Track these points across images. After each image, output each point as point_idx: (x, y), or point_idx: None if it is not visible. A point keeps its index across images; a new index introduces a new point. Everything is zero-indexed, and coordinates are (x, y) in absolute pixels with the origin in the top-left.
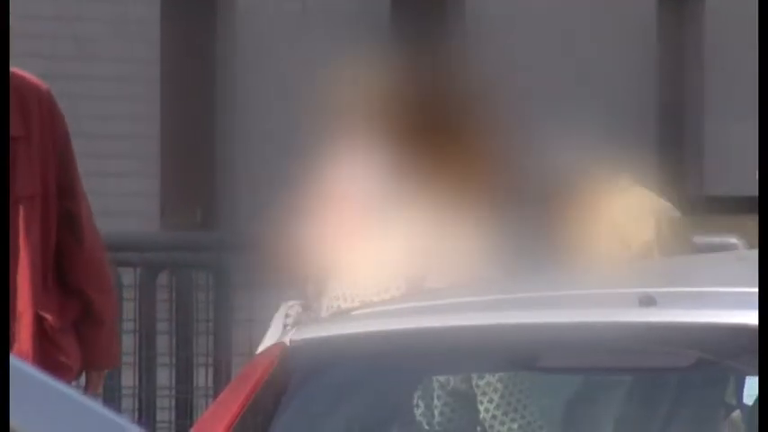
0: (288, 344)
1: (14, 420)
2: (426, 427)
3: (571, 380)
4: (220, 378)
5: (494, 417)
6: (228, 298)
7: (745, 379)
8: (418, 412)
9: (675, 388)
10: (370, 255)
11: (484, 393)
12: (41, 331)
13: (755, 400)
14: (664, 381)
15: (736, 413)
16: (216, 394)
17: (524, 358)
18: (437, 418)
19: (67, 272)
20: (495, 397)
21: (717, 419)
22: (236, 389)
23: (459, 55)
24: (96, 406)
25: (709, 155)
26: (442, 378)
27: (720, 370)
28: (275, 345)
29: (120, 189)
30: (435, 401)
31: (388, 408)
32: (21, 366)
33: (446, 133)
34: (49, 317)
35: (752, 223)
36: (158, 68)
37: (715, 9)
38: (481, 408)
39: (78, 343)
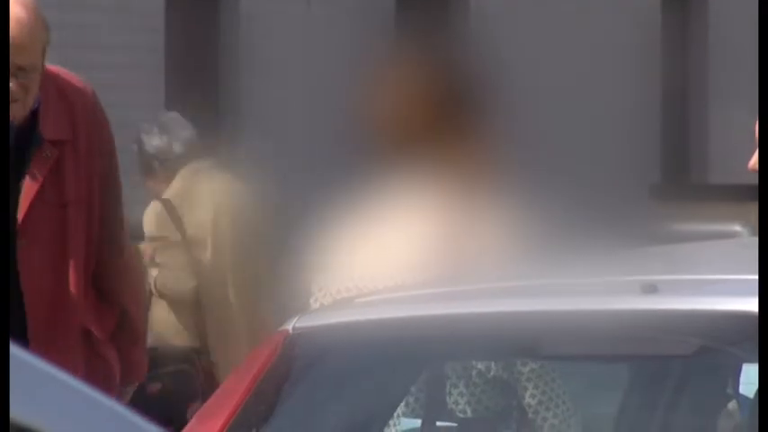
0: (291, 331)
1: (32, 418)
2: (461, 415)
3: (585, 367)
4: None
5: (540, 403)
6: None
7: (742, 366)
8: (451, 399)
9: (678, 375)
10: (376, 248)
11: (529, 380)
12: (89, 344)
13: (754, 388)
14: (666, 368)
15: (737, 400)
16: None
17: (527, 346)
18: (474, 406)
19: (105, 282)
20: (540, 384)
21: (719, 406)
22: (239, 376)
23: (464, 50)
24: (116, 406)
25: (713, 143)
26: (481, 365)
27: (723, 357)
28: (278, 332)
29: (124, 179)
30: (473, 388)
31: (391, 395)
32: (36, 363)
33: (451, 127)
34: (95, 329)
35: (755, 211)
36: (162, 57)
37: (718, 1)
38: (526, 394)
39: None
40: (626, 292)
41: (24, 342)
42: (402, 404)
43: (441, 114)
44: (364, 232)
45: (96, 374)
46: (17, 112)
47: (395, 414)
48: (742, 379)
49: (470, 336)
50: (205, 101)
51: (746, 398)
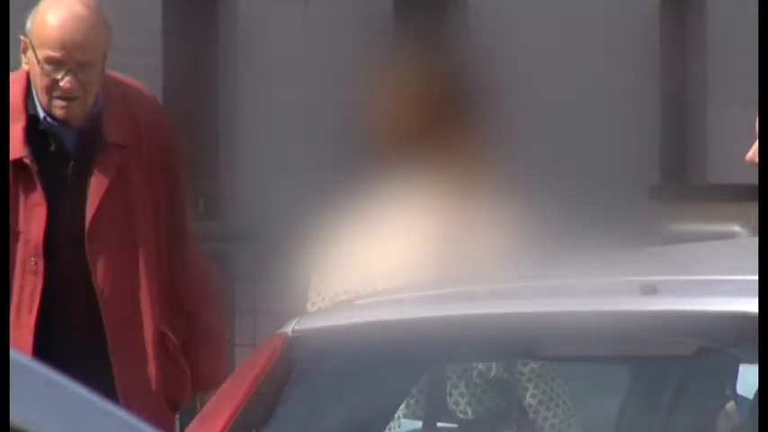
0: (290, 334)
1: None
2: (461, 416)
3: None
4: None
5: (540, 403)
6: (232, 288)
7: (741, 367)
8: (451, 400)
9: (678, 376)
10: (375, 250)
11: (529, 380)
12: (163, 349)
13: (753, 389)
14: (665, 369)
15: (736, 401)
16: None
17: (527, 347)
18: (474, 406)
19: (176, 288)
20: (541, 384)
21: (718, 407)
22: (239, 379)
23: (462, 51)
24: (115, 408)
25: (712, 143)
26: (482, 366)
27: (723, 358)
28: (278, 335)
29: None
30: (474, 389)
31: (391, 397)
32: (32, 366)
33: (450, 128)
34: (169, 333)
35: (755, 211)
36: (161, 58)
37: (715, 3)
38: (527, 395)
39: (191, 364)
40: (625, 293)
41: (103, 349)
42: (402, 405)
43: (440, 115)
44: (363, 234)
45: (170, 379)
46: (76, 110)
47: (395, 416)
48: (740, 380)
49: (470, 337)
50: (203, 103)
51: (745, 399)
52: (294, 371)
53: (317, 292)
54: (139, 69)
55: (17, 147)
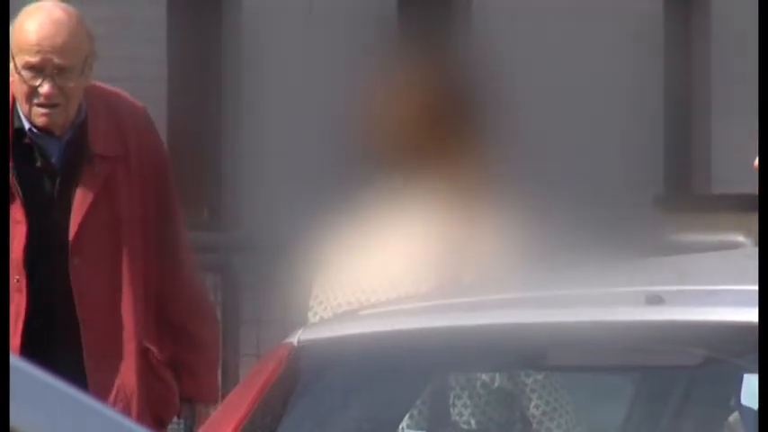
0: (296, 344)
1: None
2: (465, 426)
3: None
4: (228, 378)
5: (544, 414)
6: (236, 298)
7: (745, 377)
8: (455, 411)
9: (683, 386)
10: (377, 259)
11: (533, 391)
12: (146, 364)
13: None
14: (670, 379)
15: (740, 411)
16: (224, 394)
17: (533, 357)
18: (478, 417)
19: (166, 301)
20: (544, 394)
21: (723, 418)
22: (244, 389)
23: (466, 52)
24: (106, 410)
25: (716, 153)
26: (486, 376)
27: (727, 368)
28: (283, 345)
29: None
30: (477, 400)
31: (397, 407)
32: (25, 368)
33: (453, 130)
34: (153, 348)
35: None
36: (165, 68)
37: (721, 7)
38: (530, 405)
39: (180, 376)
40: (630, 303)
41: (80, 360)
42: (406, 416)
43: (443, 118)
44: (366, 242)
45: (153, 394)
46: (57, 118)
47: (399, 426)
48: (745, 390)
49: (475, 348)
50: (208, 111)
51: (750, 409)
52: (300, 381)
53: (319, 301)
54: (144, 79)
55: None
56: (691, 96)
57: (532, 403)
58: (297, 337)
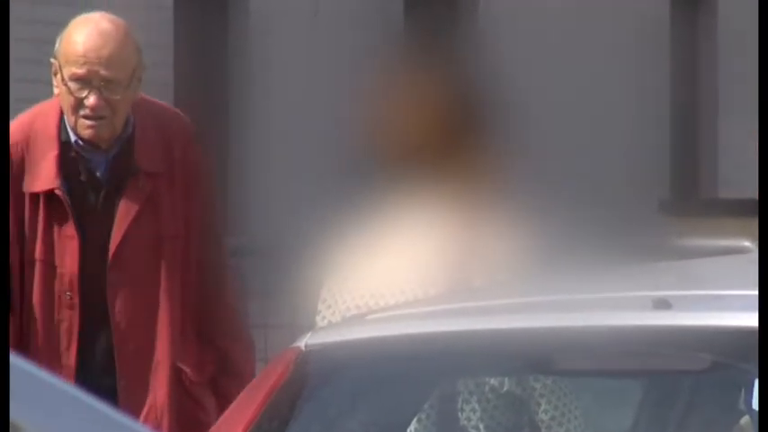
0: (303, 348)
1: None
2: (473, 431)
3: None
4: None
5: (552, 419)
6: (244, 303)
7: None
8: (463, 416)
9: (690, 391)
10: (385, 263)
11: (541, 396)
12: (179, 384)
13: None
14: (678, 383)
15: (750, 415)
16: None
17: (540, 361)
18: (486, 422)
19: (204, 322)
20: (553, 399)
21: (731, 422)
22: (252, 393)
23: (472, 55)
24: (114, 413)
25: (723, 158)
26: (494, 381)
27: (735, 373)
28: (290, 349)
29: None
30: (486, 404)
31: (404, 412)
32: (30, 369)
33: (460, 133)
34: (187, 369)
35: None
36: (171, 72)
37: (727, 8)
38: (539, 410)
39: (216, 398)
40: (638, 308)
41: (112, 375)
42: (414, 421)
43: (449, 118)
44: (373, 246)
45: (185, 415)
46: (103, 131)
47: (408, 431)
48: (753, 395)
49: (482, 352)
50: (214, 115)
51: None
52: (307, 385)
53: (328, 305)
54: (150, 83)
55: (49, 177)
56: (697, 98)
57: (541, 408)
58: (304, 342)
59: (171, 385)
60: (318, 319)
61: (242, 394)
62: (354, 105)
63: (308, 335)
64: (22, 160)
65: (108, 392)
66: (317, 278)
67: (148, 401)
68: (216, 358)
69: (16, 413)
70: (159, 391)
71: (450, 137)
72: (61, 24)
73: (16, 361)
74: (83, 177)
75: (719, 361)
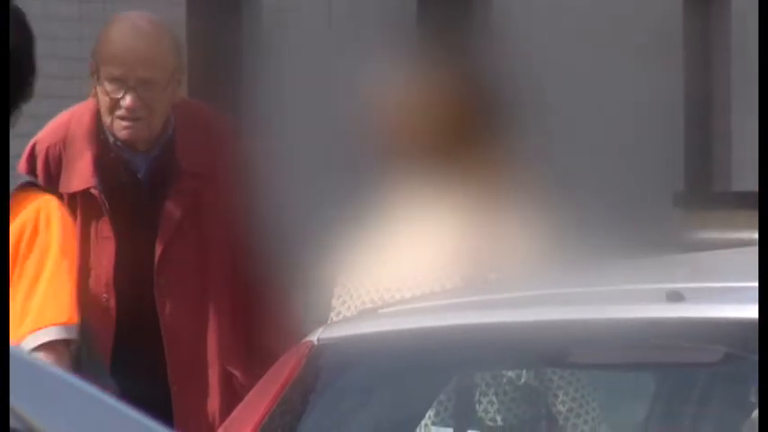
0: (315, 342)
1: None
2: (490, 424)
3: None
4: None
5: (570, 411)
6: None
7: None
8: (480, 408)
9: (703, 383)
10: (400, 257)
11: (559, 388)
12: (229, 388)
13: None
14: (692, 376)
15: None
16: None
17: (553, 355)
18: (504, 414)
19: (256, 327)
20: (571, 391)
21: (745, 415)
22: (264, 388)
23: (486, 52)
24: (131, 411)
25: (737, 150)
26: (511, 373)
27: (748, 365)
28: (303, 343)
29: None
30: (503, 396)
31: (416, 406)
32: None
33: (476, 132)
34: (236, 372)
35: None
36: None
37: (741, 4)
38: (557, 402)
39: None
40: (651, 300)
41: (165, 383)
42: (432, 413)
43: (464, 115)
44: (388, 241)
45: None
46: (140, 131)
47: (421, 423)
48: None
49: (494, 346)
50: (227, 112)
51: None
52: (319, 380)
53: (342, 300)
54: None
55: (85, 176)
56: (711, 93)
57: (559, 400)
58: (317, 336)
59: (222, 389)
60: (333, 315)
61: (254, 389)
62: (368, 101)
63: (320, 329)
64: (60, 161)
65: (158, 399)
66: (331, 274)
67: (202, 406)
68: (264, 361)
69: (38, 416)
70: (212, 395)
71: (464, 132)
72: (75, 20)
73: (39, 362)
74: (122, 178)
75: (733, 353)
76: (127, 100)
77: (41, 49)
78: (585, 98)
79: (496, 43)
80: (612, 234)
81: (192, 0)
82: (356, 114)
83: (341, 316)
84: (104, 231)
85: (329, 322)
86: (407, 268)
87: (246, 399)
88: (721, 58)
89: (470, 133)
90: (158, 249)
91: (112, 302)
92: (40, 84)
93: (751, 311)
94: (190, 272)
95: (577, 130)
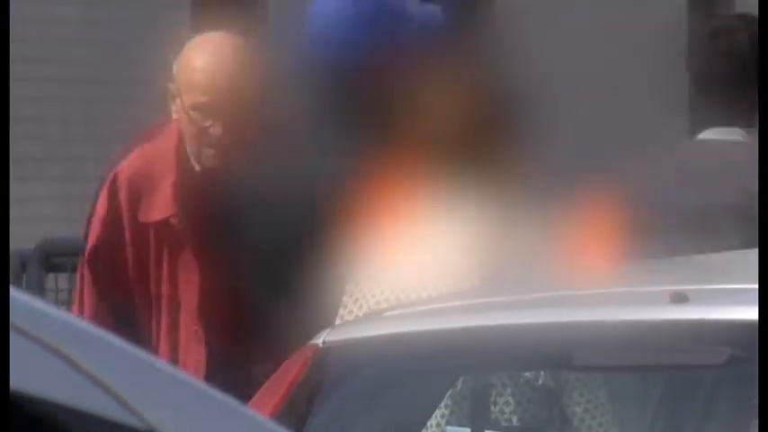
0: (321, 345)
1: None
2: (505, 424)
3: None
4: None
5: (585, 412)
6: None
7: None
8: (496, 409)
9: (709, 385)
10: (414, 258)
11: (574, 389)
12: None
13: None
14: (697, 378)
15: None
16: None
17: (559, 357)
18: (519, 414)
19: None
20: (585, 392)
21: (751, 417)
22: (270, 390)
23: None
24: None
25: None
26: (529, 374)
27: (754, 367)
28: (308, 346)
29: None
30: (519, 397)
31: (422, 409)
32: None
33: (488, 132)
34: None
35: None
36: None
37: (745, 5)
38: (571, 403)
39: None
40: (655, 302)
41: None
42: (447, 413)
43: (470, 115)
44: (403, 241)
45: None
46: (228, 160)
47: (435, 423)
48: None
49: (498, 348)
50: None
51: None
52: (325, 382)
53: (355, 299)
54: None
55: (166, 205)
56: None
57: (573, 400)
58: (322, 339)
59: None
60: (345, 313)
61: (260, 392)
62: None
63: (326, 332)
64: (141, 189)
65: None
66: (344, 272)
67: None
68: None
69: (152, 414)
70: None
71: (473, 132)
72: (71, 23)
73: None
74: (209, 206)
75: (738, 355)
76: (215, 129)
77: (50, 53)
78: (588, 98)
79: (499, 43)
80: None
81: (196, 3)
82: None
83: (353, 315)
84: (187, 262)
85: (338, 320)
86: (425, 268)
87: (252, 401)
88: None
89: (486, 133)
90: (244, 276)
91: (201, 334)
92: (38, 86)
93: (756, 313)
94: (272, 296)
95: (579, 130)
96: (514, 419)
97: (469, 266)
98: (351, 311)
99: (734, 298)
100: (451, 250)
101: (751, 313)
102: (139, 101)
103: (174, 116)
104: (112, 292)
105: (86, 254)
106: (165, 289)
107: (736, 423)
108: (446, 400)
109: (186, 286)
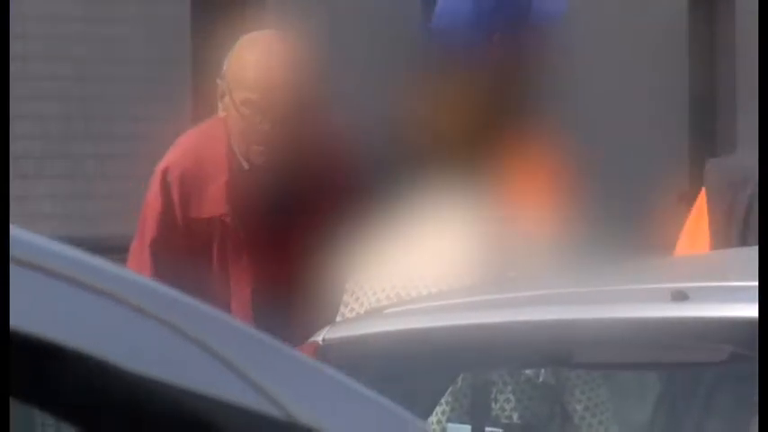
0: (321, 342)
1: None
2: (506, 421)
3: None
4: None
5: (586, 409)
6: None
7: None
8: (497, 406)
9: (709, 383)
10: (416, 256)
11: (575, 386)
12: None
13: None
14: (697, 376)
15: None
16: None
17: (559, 354)
18: (520, 411)
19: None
20: (587, 390)
21: (751, 414)
22: None
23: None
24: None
25: (741, 149)
26: (529, 372)
27: (754, 364)
28: (308, 344)
29: None
30: (520, 395)
31: (422, 405)
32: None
33: (490, 130)
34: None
35: None
36: (189, 68)
37: (746, 2)
38: (573, 400)
39: None
40: (656, 300)
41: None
42: (448, 409)
43: (475, 113)
44: (404, 238)
45: None
46: (278, 157)
47: (437, 419)
48: None
49: (498, 345)
50: None
51: None
52: None
53: (356, 297)
54: (167, 80)
55: (218, 203)
56: (716, 94)
57: (575, 398)
58: (322, 336)
59: None
60: (347, 311)
61: None
62: (381, 101)
63: (326, 329)
64: (193, 185)
65: None
66: (345, 270)
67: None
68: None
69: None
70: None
71: (477, 131)
72: (72, 21)
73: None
74: (257, 203)
75: (738, 352)
76: (265, 126)
77: (51, 50)
78: (590, 97)
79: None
80: (618, 233)
81: (195, 15)
82: (370, 114)
83: (354, 313)
84: (240, 260)
85: (339, 317)
86: (423, 266)
87: None
88: (726, 57)
89: (484, 132)
90: (291, 273)
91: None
92: (45, 84)
93: (756, 310)
94: (315, 296)
95: (580, 130)
96: (515, 417)
97: (470, 264)
98: (351, 309)
99: (734, 295)
100: (451, 248)
101: (751, 311)
102: (140, 99)
103: (222, 113)
104: (169, 282)
105: (149, 242)
106: (215, 284)
107: (736, 420)
108: (447, 398)
109: (239, 281)
